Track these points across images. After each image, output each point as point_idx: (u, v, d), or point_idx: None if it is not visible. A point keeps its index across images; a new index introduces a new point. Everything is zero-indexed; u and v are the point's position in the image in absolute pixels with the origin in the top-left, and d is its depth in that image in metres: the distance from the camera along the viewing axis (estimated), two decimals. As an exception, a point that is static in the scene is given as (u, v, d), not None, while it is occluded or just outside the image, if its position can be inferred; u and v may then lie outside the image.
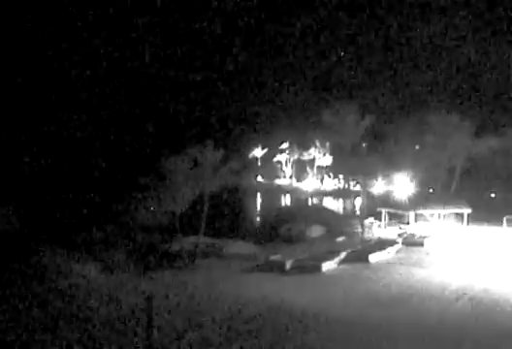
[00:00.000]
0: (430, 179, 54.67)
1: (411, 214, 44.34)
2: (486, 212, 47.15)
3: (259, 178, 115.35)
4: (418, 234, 40.75)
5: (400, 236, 40.99)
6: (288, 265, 30.71)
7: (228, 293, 24.73)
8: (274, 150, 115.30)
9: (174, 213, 32.33)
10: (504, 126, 60.18)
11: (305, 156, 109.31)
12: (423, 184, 56.53)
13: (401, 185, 52.36)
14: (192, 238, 34.73)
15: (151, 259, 33.69)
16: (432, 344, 17.99)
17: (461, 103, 77.00)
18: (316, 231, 43.48)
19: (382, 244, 36.62)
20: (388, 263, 32.47)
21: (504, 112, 71.15)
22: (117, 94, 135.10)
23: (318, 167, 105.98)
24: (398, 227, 44.98)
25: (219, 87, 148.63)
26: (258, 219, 62.53)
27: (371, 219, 45.72)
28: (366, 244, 37.69)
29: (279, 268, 30.54)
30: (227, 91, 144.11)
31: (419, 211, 44.25)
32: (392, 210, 46.03)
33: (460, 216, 44.72)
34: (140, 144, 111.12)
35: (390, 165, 49.37)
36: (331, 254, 33.05)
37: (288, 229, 44.18)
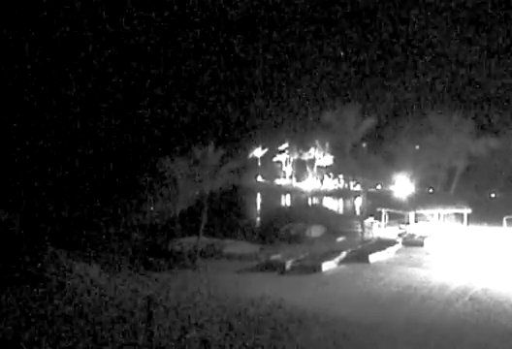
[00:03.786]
0: (430, 179, 54.61)
1: (411, 214, 44.30)
2: (486, 212, 47.09)
3: (259, 178, 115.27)
4: (418, 234, 40.73)
5: (399, 236, 41.01)
6: (288, 265, 30.73)
7: (228, 293, 24.75)
8: (274, 150, 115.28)
9: (174, 213, 32.39)
10: (505, 126, 60.28)
11: (305, 156, 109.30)
12: (423, 184, 56.52)
13: (401, 185, 52.38)
14: (192, 239, 34.73)
15: (151, 259, 33.72)
16: (431, 344, 18.01)
17: (461, 103, 77.02)
18: (316, 231, 43.47)
19: (382, 244, 36.63)
20: (388, 263, 32.48)
21: (504, 112, 71.15)
22: (117, 94, 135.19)
23: (318, 167, 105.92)
24: (398, 227, 44.96)
25: (220, 88, 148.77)
26: (258, 219, 62.50)
27: (371, 219, 45.67)
28: (366, 244, 37.69)
29: (279, 268, 30.57)
30: (227, 91, 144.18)
31: (419, 211, 44.18)
32: (392, 210, 45.96)
33: (460, 216, 44.65)
34: (140, 145, 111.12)
35: (390, 165, 49.31)
36: (331, 254, 33.10)
37: (288, 229, 44.18)
